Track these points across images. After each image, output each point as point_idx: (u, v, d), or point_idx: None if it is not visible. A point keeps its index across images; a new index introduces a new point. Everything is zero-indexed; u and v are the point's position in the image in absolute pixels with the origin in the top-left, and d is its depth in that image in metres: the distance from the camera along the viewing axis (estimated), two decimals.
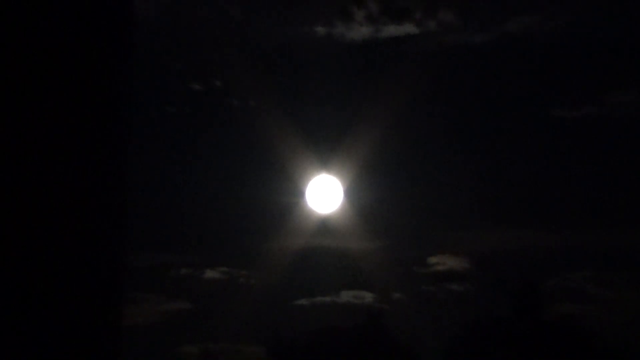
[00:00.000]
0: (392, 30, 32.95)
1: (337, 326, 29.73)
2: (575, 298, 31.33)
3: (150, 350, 27.98)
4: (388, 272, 31.57)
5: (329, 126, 32.17)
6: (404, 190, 33.09)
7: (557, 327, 28.29)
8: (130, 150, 6.54)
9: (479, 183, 32.89)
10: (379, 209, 32.10)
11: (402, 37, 32.94)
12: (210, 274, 32.46)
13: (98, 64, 6.50)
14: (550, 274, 31.52)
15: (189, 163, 33.45)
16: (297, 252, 31.18)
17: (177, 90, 33.96)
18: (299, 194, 31.26)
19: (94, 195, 6.05)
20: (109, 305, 6.08)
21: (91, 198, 6.02)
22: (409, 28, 32.86)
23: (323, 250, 31.95)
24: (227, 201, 32.65)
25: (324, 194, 31.18)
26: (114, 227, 6.11)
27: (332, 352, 28.92)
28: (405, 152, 33.28)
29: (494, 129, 34.65)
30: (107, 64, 6.57)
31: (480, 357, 28.47)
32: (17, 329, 5.63)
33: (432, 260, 32.63)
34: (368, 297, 32.07)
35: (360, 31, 33.10)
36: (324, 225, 31.50)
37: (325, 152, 31.21)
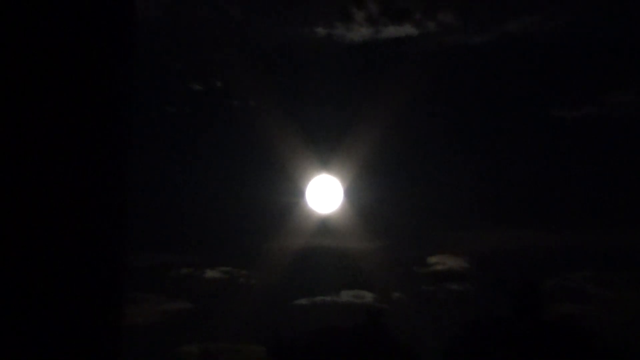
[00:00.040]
0: (391, 31, 32.96)
1: (337, 326, 29.74)
2: (575, 298, 31.35)
3: (151, 350, 27.99)
4: (388, 272, 31.58)
5: (329, 126, 32.20)
6: (404, 190, 33.11)
7: (557, 327, 28.29)
8: (131, 150, 6.55)
9: (479, 183, 32.91)
10: (379, 209, 32.12)
11: (402, 38, 32.97)
12: (210, 273, 32.48)
13: (98, 64, 6.51)
14: (550, 274, 31.54)
15: (189, 163, 33.47)
16: (297, 252, 31.20)
17: (177, 90, 33.98)
18: (299, 194, 31.28)
19: (94, 195, 6.05)
20: (109, 305, 6.09)
21: (91, 198, 6.02)
22: (408, 29, 32.88)
23: (323, 250, 31.97)
24: (227, 201, 32.66)
25: (324, 194, 31.20)
26: (114, 227, 6.12)
27: (332, 352, 28.92)
28: (405, 152, 33.30)
29: (494, 129, 34.66)
30: (107, 64, 6.57)
31: (480, 357, 28.47)
32: (17, 329, 5.63)
33: (432, 260, 32.66)
34: (368, 296, 32.10)
35: (360, 32, 33.12)
36: (324, 225, 31.52)
37: (325, 152, 31.23)
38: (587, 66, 33.35)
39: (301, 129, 31.45)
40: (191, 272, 32.39)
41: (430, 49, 33.29)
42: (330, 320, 30.34)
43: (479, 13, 33.96)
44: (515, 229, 32.81)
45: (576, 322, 28.79)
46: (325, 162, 31.09)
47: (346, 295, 32.20)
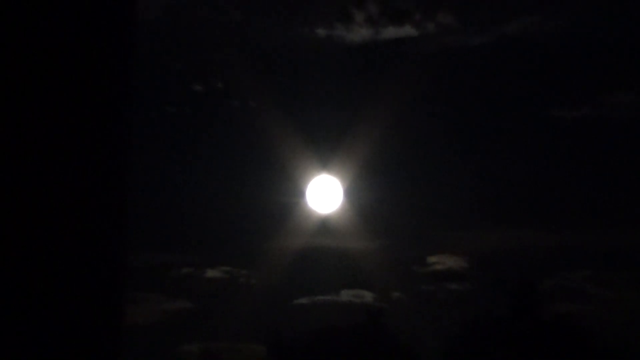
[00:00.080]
0: (391, 32, 32.99)
1: (337, 326, 29.78)
2: (574, 298, 31.38)
3: (151, 350, 28.03)
4: (388, 272, 31.61)
5: (329, 126, 32.23)
6: (404, 190, 33.14)
7: (556, 327, 28.31)
8: (131, 151, 6.57)
9: (479, 183, 32.94)
10: (379, 209, 32.15)
11: (402, 38, 32.99)
12: (210, 273, 32.52)
13: (99, 64, 6.52)
14: (550, 274, 31.57)
15: (190, 163, 33.50)
16: (297, 252, 31.23)
17: (177, 90, 34.01)
18: (299, 194, 31.31)
19: (94, 195, 6.06)
20: (109, 305, 6.10)
21: (91, 198, 6.03)
22: (408, 30, 32.90)
23: (323, 250, 32.00)
24: (227, 201, 32.70)
25: (324, 194, 31.23)
26: (114, 227, 6.12)
27: (332, 351, 28.96)
28: (405, 152, 33.33)
29: (494, 129, 34.70)
30: (107, 64, 6.58)
31: (479, 357, 28.49)
32: (17, 329, 5.64)
33: (432, 259, 32.69)
34: (368, 296, 32.14)
35: (360, 33, 33.15)
36: (324, 225, 31.54)
37: (325, 152, 31.25)
38: (586, 66, 33.38)
39: (301, 129, 31.49)
40: (191, 271, 32.43)
41: (430, 50, 33.34)
42: (330, 319, 30.39)
43: (478, 14, 34.00)
44: (515, 229, 32.84)
45: (576, 322, 28.81)
46: (325, 162, 31.12)
47: (346, 295, 32.25)
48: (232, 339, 30.45)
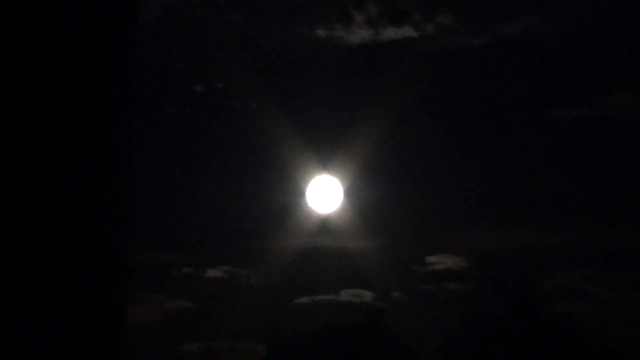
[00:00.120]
0: (391, 33, 33.02)
1: (337, 325, 29.78)
2: (574, 297, 31.40)
3: (152, 349, 28.05)
4: (387, 272, 31.63)
5: (329, 126, 32.25)
6: (404, 190, 33.16)
7: (555, 327, 28.32)
8: (132, 151, 6.59)
9: (478, 183, 32.97)
10: (379, 209, 32.17)
11: (402, 39, 33.03)
12: (211, 273, 32.53)
13: (99, 65, 6.55)
14: (549, 274, 31.59)
15: (190, 163, 33.53)
16: (298, 252, 31.25)
17: (178, 90, 34.04)
18: (299, 194, 31.33)
19: (95, 195, 6.10)
20: (110, 305, 6.13)
21: (91, 198, 6.07)
22: (408, 30, 32.93)
23: (323, 249, 32.02)
24: (227, 201, 32.71)
25: (324, 194, 31.25)
26: (114, 227, 6.16)
27: (332, 351, 28.97)
28: (405, 152, 33.35)
29: (493, 129, 34.71)
30: (108, 65, 6.61)
31: (479, 356, 28.51)
32: (17, 329, 5.67)
33: (431, 259, 32.71)
34: (368, 296, 32.16)
35: (360, 34, 33.18)
36: (324, 225, 31.56)
37: (325, 152, 31.28)
38: (586, 67, 33.41)
39: (301, 129, 31.51)
40: (192, 271, 32.45)
41: (429, 51, 33.36)
42: (330, 319, 30.39)
43: (478, 14, 34.02)
44: (515, 228, 32.86)
45: (575, 322, 28.82)
46: (325, 162, 31.14)
47: (346, 295, 32.27)
48: (232, 338, 30.47)
